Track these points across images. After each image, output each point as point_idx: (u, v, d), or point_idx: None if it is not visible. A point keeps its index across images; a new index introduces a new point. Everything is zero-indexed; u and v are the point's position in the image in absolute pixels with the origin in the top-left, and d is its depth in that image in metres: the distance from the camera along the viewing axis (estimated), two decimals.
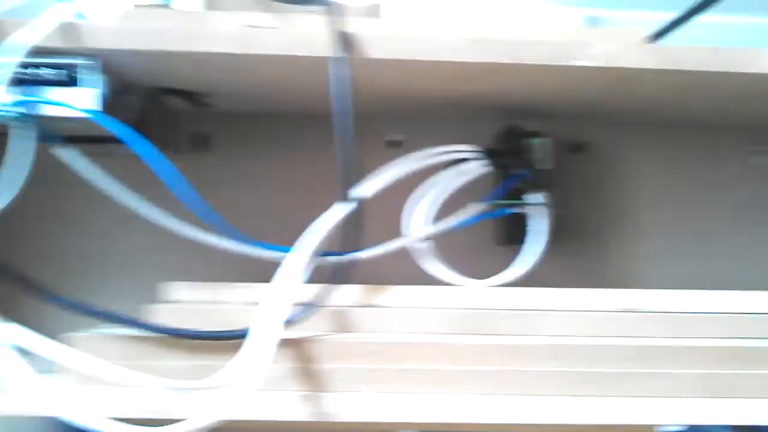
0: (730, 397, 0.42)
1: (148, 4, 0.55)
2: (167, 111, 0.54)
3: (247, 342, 0.39)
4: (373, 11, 0.58)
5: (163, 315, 0.46)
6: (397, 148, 0.59)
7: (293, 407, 0.41)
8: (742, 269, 0.61)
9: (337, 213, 0.44)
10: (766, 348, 0.44)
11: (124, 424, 0.35)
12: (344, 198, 0.43)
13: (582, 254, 0.60)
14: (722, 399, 0.42)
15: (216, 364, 0.40)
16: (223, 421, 0.36)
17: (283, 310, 0.41)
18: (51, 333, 0.38)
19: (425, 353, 0.43)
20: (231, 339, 0.41)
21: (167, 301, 0.49)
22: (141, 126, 0.44)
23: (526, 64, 0.43)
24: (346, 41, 0.42)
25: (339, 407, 0.41)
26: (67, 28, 0.41)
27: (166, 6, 0.55)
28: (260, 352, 0.39)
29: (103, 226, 0.58)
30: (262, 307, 0.41)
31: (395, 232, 0.51)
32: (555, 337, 0.46)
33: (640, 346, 0.44)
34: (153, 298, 0.49)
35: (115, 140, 0.45)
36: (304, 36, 0.43)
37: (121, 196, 0.46)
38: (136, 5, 0.54)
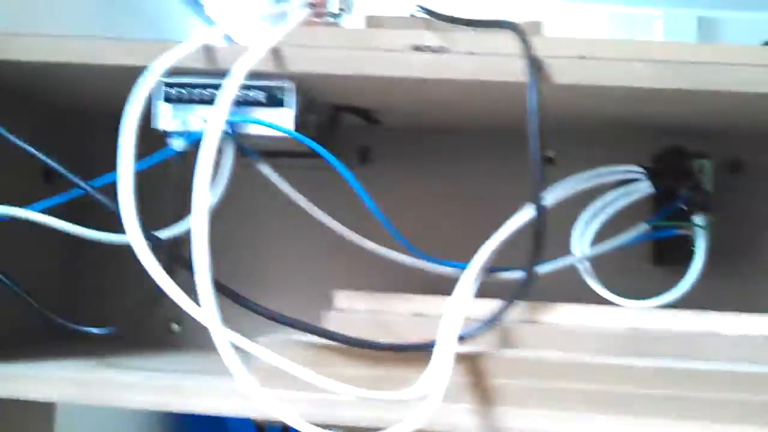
0: None
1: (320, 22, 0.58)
2: (338, 126, 0.56)
3: (435, 355, 0.41)
4: (535, 28, 0.59)
5: (333, 323, 0.49)
6: (550, 165, 0.60)
7: (464, 420, 0.43)
8: None
9: (516, 222, 0.46)
10: None
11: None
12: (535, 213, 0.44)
13: (737, 276, 0.59)
14: None
15: (391, 375, 0.42)
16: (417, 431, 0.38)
17: (460, 325, 0.43)
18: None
19: (594, 374, 0.44)
20: (416, 351, 0.43)
21: (337, 309, 0.51)
22: (317, 141, 0.47)
23: (719, 91, 0.43)
24: (536, 65, 0.43)
25: (509, 422, 0.43)
26: (274, 53, 0.44)
27: (336, 25, 0.58)
28: (443, 365, 0.41)
29: (281, 232, 0.62)
30: (445, 321, 0.43)
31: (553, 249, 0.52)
32: (721, 363, 0.46)
33: None
34: (320, 305, 0.51)
35: (299, 155, 0.48)
36: (498, 61, 0.44)
37: (306, 205, 0.49)
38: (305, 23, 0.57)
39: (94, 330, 0.48)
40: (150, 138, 0.44)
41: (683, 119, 0.53)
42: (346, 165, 0.60)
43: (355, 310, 0.51)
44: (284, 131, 0.44)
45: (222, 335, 0.38)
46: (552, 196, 0.50)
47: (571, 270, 0.53)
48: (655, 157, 0.56)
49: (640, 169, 0.52)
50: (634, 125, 0.56)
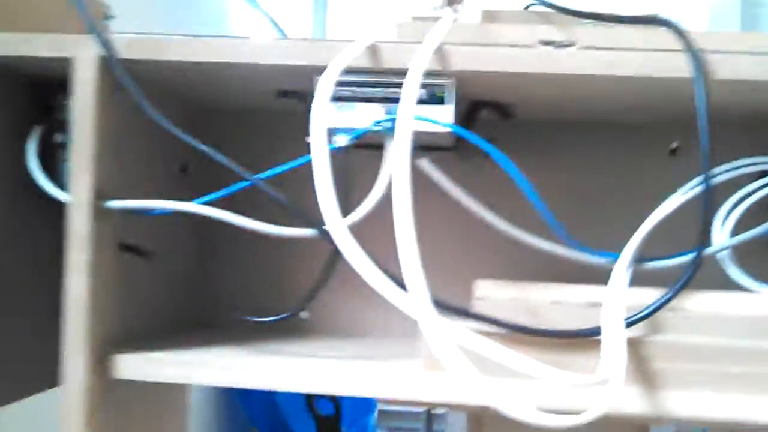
0: None
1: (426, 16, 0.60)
2: (475, 120, 0.58)
3: (606, 340, 0.43)
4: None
5: (481, 309, 0.51)
6: (672, 155, 0.61)
7: (636, 404, 0.45)
8: None
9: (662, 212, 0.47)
10: None
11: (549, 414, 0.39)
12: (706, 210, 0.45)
13: None
14: None
15: (559, 359, 0.44)
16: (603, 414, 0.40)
17: (624, 311, 0.45)
18: None
19: (753, 357, 0.45)
20: (585, 337, 0.44)
21: (480, 298, 0.53)
22: None
23: None
24: (700, 60, 0.45)
25: (674, 405, 0.44)
26: (437, 52, 0.46)
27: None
28: (618, 350, 0.42)
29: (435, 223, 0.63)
30: (607, 308, 0.45)
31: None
32: None
33: None
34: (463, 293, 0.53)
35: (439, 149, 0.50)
36: (663, 57, 0.45)
37: (460, 197, 0.51)
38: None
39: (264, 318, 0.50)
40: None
41: None
42: (467, 157, 0.62)
43: (496, 299, 0.53)
44: (450, 127, 0.46)
45: (436, 323, 0.39)
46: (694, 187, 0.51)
47: (709, 260, 0.54)
48: None
49: None
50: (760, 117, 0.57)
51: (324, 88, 0.44)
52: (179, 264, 0.63)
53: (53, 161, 0.53)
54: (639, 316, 0.46)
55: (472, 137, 0.46)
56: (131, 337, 0.52)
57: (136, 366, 0.48)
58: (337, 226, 0.41)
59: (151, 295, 0.58)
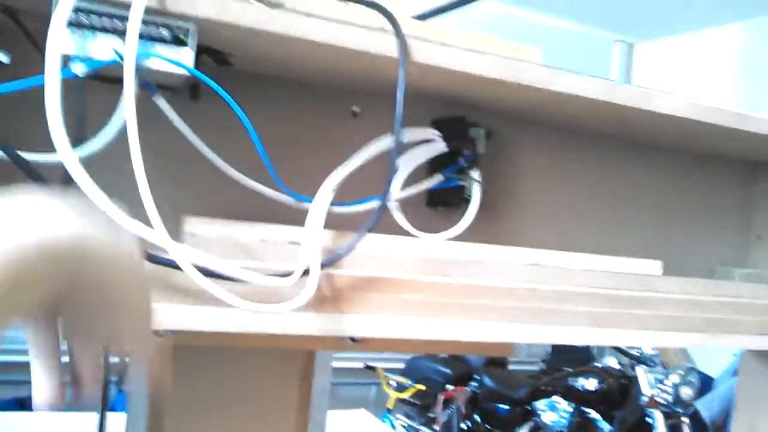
0: (606, 327, 0.63)
1: None
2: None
3: (302, 275, 0.50)
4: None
5: (192, 244, 0.54)
6: (354, 118, 0.71)
7: (325, 324, 0.53)
8: None
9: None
10: (622, 295, 0.65)
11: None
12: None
13: (500, 217, 0.78)
14: (601, 328, 0.63)
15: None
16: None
17: (320, 251, 0.53)
18: None
19: (415, 287, 0.57)
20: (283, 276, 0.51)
21: (190, 234, 0.57)
22: None
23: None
24: (404, 43, 0.54)
25: (357, 326, 0.54)
26: None
27: None
28: (311, 284, 0.51)
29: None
30: (305, 248, 0.52)
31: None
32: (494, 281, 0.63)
33: (551, 290, 0.63)
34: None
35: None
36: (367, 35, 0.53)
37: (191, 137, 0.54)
38: None
39: None
40: None
41: (467, 96, 0.68)
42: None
43: (206, 236, 0.57)
44: (187, 69, 0.48)
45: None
46: (374, 148, 0.61)
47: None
48: (436, 122, 0.71)
49: (438, 132, 0.66)
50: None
51: (62, 10, 0.43)
52: None
53: None
54: (333, 257, 0.55)
55: (207, 80, 0.49)
56: None
57: None
58: (68, 156, 0.41)
59: None
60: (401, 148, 0.55)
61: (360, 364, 3.58)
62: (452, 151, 0.68)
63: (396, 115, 0.54)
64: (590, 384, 2.96)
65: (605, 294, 0.65)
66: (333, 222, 0.59)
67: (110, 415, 0.59)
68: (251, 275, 0.48)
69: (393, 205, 0.65)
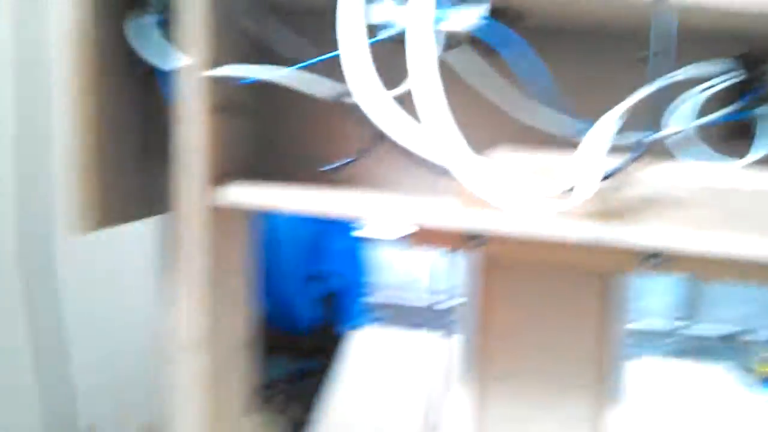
0: None
1: None
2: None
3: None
4: None
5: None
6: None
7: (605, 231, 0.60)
8: None
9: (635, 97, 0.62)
10: None
11: None
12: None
13: None
14: None
15: None
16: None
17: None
18: None
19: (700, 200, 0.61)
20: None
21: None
22: None
23: None
24: None
25: (636, 235, 0.60)
26: None
27: None
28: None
29: None
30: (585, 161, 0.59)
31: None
32: None
33: None
34: None
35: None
36: None
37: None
38: None
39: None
40: None
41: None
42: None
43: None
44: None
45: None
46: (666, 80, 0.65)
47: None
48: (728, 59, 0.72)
49: (733, 63, 0.68)
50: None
51: None
52: (255, 123, 0.75)
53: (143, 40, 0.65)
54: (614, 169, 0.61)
55: (515, 36, 0.59)
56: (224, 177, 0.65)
57: (238, 194, 0.61)
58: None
59: (235, 146, 0.70)
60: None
61: None
62: (743, 84, 0.70)
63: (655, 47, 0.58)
64: None
65: None
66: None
67: None
68: (538, 185, 0.57)
69: (686, 135, 0.69)
